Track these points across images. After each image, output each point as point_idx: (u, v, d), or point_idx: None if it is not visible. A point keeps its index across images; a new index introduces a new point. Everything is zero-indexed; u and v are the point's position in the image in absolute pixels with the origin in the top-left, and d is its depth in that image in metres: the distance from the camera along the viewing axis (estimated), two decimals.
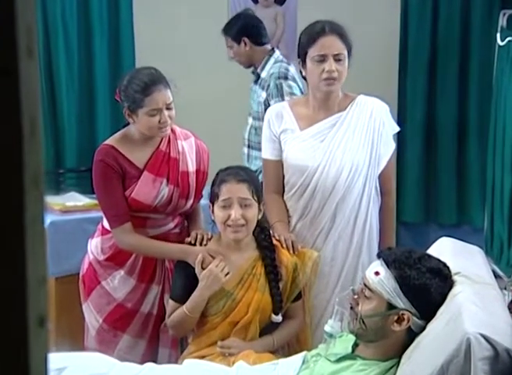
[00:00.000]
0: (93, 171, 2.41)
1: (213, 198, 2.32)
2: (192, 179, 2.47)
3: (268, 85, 3.24)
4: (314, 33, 2.40)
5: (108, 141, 2.44)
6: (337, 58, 2.38)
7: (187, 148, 2.50)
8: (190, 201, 2.48)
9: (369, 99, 2.55)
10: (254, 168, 3.13)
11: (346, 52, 2.41)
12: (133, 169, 2.39)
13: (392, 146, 2.57)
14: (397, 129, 2.62)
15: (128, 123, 2.47)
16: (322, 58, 2.37)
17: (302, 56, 2.45)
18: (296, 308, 2.36)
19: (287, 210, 2.54)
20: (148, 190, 2.38)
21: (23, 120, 0.56)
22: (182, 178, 2.44)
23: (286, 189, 2.56)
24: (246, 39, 3.38)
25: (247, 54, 3.40)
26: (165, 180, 2.41)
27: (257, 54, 3.40)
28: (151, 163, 2.41)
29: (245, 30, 3.40)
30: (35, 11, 0.60)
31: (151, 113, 2.33)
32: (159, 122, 2.34)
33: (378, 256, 1.91)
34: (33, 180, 0.58)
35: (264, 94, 3.27)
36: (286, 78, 3.20)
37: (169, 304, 2.34)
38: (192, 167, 2.48)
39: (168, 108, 2.36)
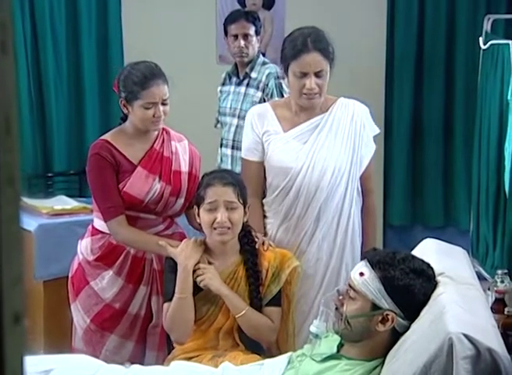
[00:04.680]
0: (87, 164, 2.44)
1: (199, 201, 2.32)
2: (184, 178, 2.50)
3: (266, 85, 3.30)
4: (297, 48, 2.39)
5: (104, 136, 2.48)
6: (318, 75, 2.40)
7: (181, 150, 2.53)
8: (180, 201, 2.50)
9: (350, 102, 2.57)
10: (239, 169, 3.14)
11: (328, 67, 2.41)
12: (127, 164, 2.42)
13: (372, 147, 2.59)
14: (377, 130, 2.64)
15: (121, 123, 2.50)
16: (303, 75, 2.39)
17: (284, 66, 2.46)
18: (271, 313, 2.30)
19: (264, 216, 2.56)
20: (141, 185, 2.41)
21: None
22: (174, 177, 2.47)
23: (268, 191, 2.57)
24: (259, 37, 3.47)
25: (256, 49, 3.44)
26: (157, 177, 2.44)
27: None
28: (144, 160, 2.45)
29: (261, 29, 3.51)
30: (11, 7, 0.60)
31: (146, 106, 2.37)
32: (153, 116, 2.38)
33: (363, 257, 1.92)
34: (8, 180, 0.58)
35: (259, 94, 3.31)
36: (284, 78, 3.25)
37: (164, 307, 2.32)
38: (185, 168, 2.51)
39: (163, 104, 2.40)
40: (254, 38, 3.42)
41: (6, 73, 0.59)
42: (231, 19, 3.48)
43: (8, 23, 0.59)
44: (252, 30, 3.42)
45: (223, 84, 3.58)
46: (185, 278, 2.25)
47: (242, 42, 3.39)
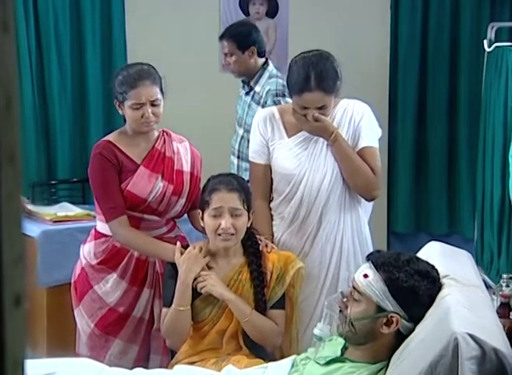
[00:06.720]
0: (90, 164, 2.45)
1: (203, 205, 2.31)
2: (186, 178, 2.50)
3: (265, 102, 3.22)
4: (300, 86, 2.36)
5: (106, 137, 2.50)
6: (321, 108, 2.38)
7: (182, 150, 2.55)
8: (182, 201, 2.50)
9: (350, 102, 2.56)
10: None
11: (331, 98, 2.40)
12: (130, 163, 2.44)
13: (374, 141, 2.53)
14: (379, 131, 2.62)
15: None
16: (306, 108, 2.38)
17: (289, 93, 2.46)
18: (276, 316, 2.29)
19: (272, 218, 2.56)
20: (144, 184, 2.42)
21: None
22: (177, 176, 2.48)
23: (274, 195, 2.58)
24: (254, 48, 3.31)
25: (248, 64, 3.33)
26: (160, 177, 2.45)
27: (255, 65, 3.35)
28: (147, 160, 2.46)
29: (255, 40, 3.33)
30: None
31: (134, 107, 2.38)
32: (142, 116, 2.38)
33: (367, 259, 1.91)
34: (8, 157, 0.58)
35: (259, 109, 3.26)
36: (283, 96, 3.16)
37: (162, 312, 2.32)
38: (187, 168, 2.52)
39: (153, 105, 2.39)
40: (238, 55, 3.31)
41: (7, 52, 0.59)
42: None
43: (9, 1, 0.59)
44: (230, 48, 3.32)
45: (242, 87, 3.50)
46: (183, 291, 2.24)
47: (223, 61, 3.36)
